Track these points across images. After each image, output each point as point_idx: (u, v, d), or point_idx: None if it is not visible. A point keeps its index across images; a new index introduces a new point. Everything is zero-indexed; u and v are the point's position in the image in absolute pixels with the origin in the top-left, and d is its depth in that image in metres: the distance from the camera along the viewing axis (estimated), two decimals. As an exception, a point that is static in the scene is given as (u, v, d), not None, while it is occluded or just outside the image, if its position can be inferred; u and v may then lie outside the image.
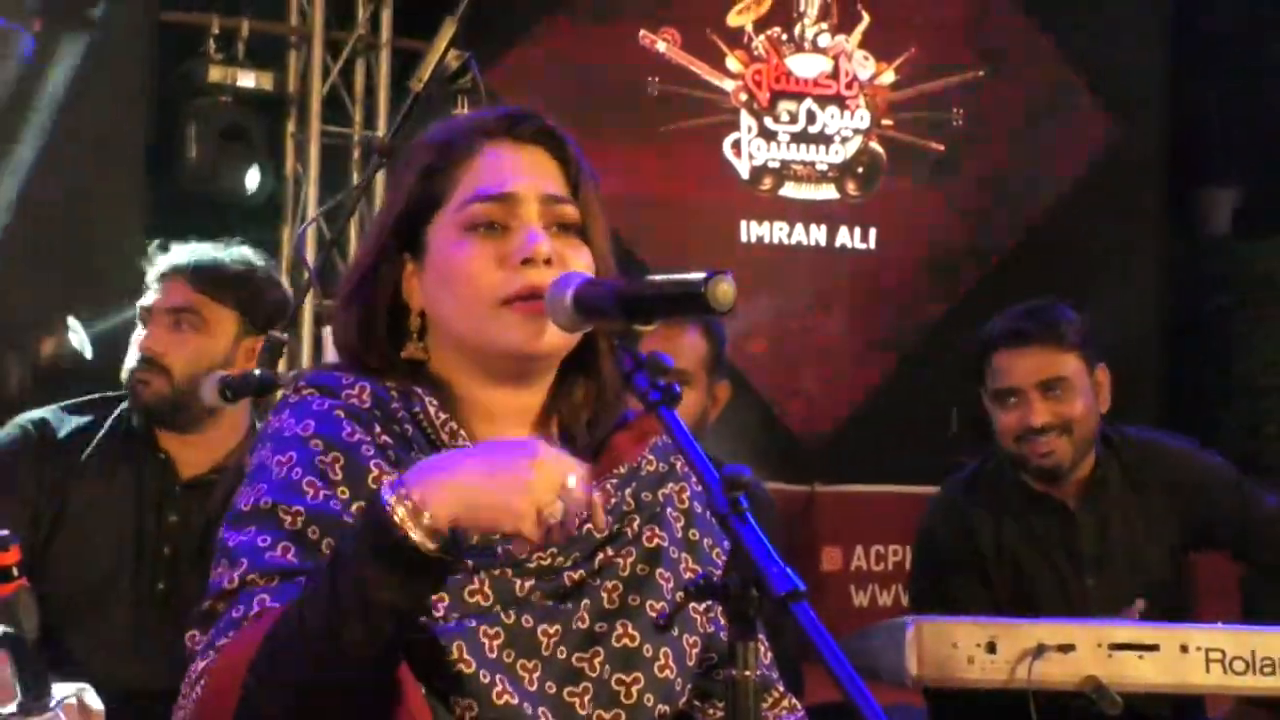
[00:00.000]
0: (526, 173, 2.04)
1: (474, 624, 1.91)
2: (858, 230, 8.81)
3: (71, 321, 7.00)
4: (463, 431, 2.01)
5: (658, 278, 1.85)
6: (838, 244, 8.80)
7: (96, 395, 3.84)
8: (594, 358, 2.08)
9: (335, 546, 1.76)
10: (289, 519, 1.88)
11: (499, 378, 2.04)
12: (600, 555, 2.03)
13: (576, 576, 2.00)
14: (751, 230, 8.69)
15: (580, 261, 2.02)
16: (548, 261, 1.98)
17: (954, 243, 8.91)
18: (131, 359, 3.64)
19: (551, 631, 1.96)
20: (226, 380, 3.47)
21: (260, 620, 1.80)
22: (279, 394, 2.21)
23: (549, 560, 1.99)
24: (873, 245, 8.83)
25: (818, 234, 8.78)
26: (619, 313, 1.87)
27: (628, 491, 2.10)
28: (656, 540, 2.08)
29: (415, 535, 1.68)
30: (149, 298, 3.67)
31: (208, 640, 1.84)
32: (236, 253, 3.78)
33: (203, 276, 3.69)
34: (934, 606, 3.89)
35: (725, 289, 1.76)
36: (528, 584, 1.96)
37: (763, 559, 1.61)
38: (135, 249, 3.84)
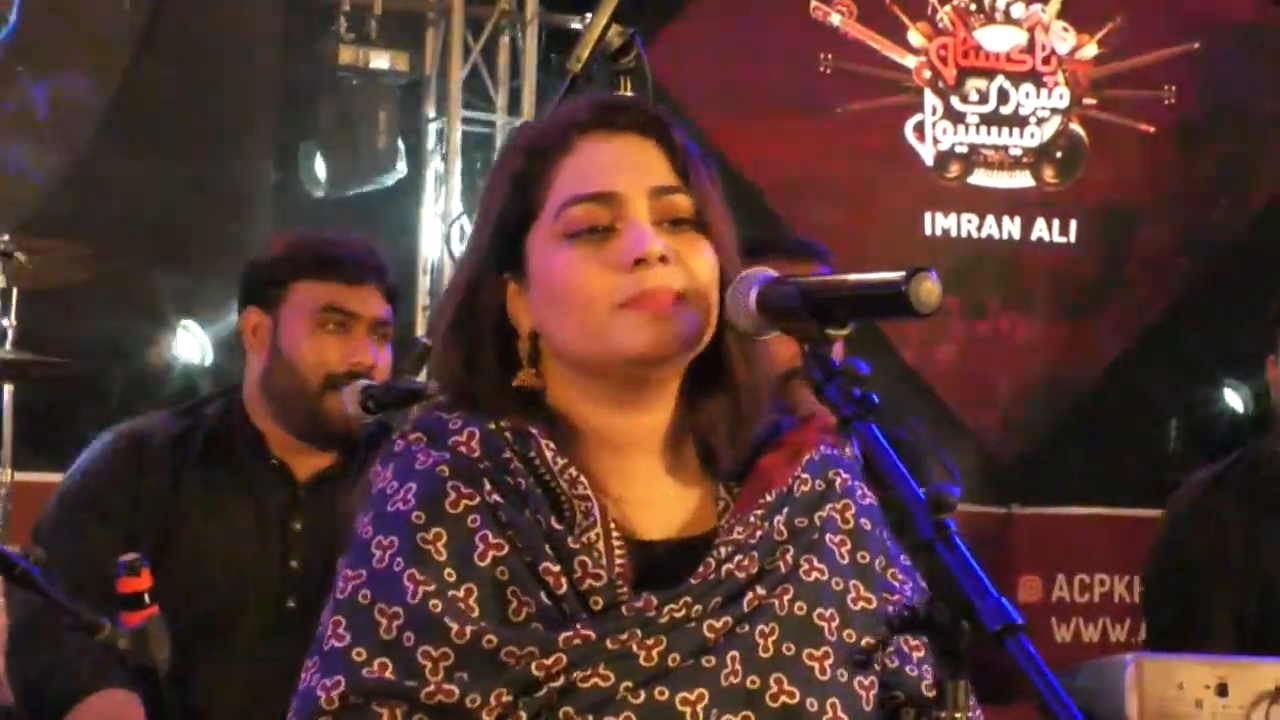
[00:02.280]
0: (628, 166, 2.01)
1: None
2: (1056, 222, 8.73)
3: (188, 324, 7.13)
4: (582, 479, 1.99)
5: (851, 277, 1.85)
6: (1034, 237, 8.72)
7: (191, 401, 3.84)
8: (724, 365, 2.05)
9: None
10: (384, 623, 1.93)
11: (621, 398, 2.02)
12: (749, 595, 1.98)
13: (720, 625, 1.96)
14: (937, 223, 8.65)
15: (701, 257, 1.99)
16: (663, 259, 1.96)
17: (1166, 236, 8.81)
18: (327, 367, 3.60)
19: (694, 698, 1.93)
20: (370, 390, 3.49)
21: None
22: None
23: (683, 610, 1.95)
24: (1073, 239, 8.74)
25: (1011, 227, 8.71)
26: (808, 315, 1.86)
27: (779, 519, 2.03)
28: (815, 573, 2.03)
29: None
30: (334, 297, 3.63)
31: None
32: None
33: (390, 285, 3.70)
34: (1177, 628, 3.85)
35: (929, 288, 1.76)
36: (658, 649, 1.93)
37: (973, 589, 1.60)
38: (260, 246, 3.85)
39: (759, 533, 2.01)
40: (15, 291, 5.41)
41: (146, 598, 2.52)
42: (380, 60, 7.58)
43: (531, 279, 2.03)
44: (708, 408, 2.06)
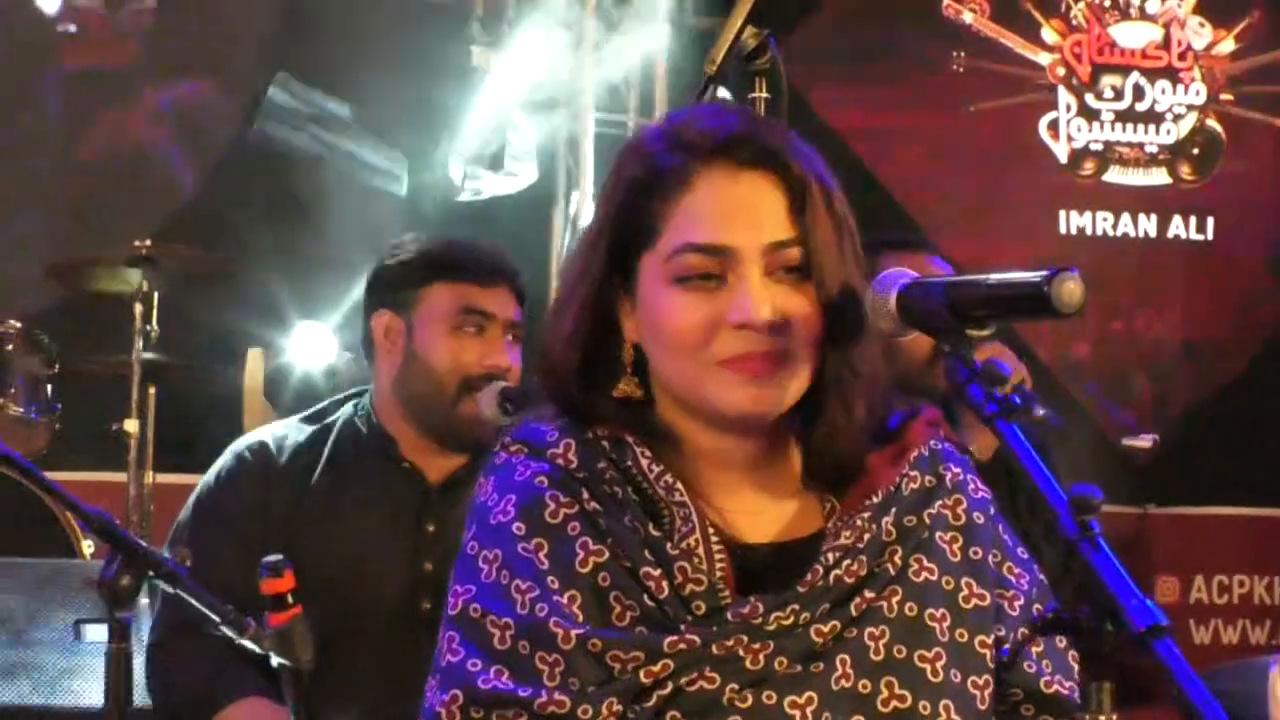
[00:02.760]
0: (746, 215, 1.99)
1: None
2: (1193, 219, 8.65)
3: (312, 325, 7.17)
4: (679, 485, 2.01)
5: (991, 277, 1.85)
6: (1170, 235, 8.65)
7: (317, 407, 3.81)
8: (831, 388, 2.03)
9: None
10: (497, 634, 1.96)
11: (721, 426, 2.03)
12: (857, 599, 1.98)
13: (828, 629, 1.96)
14: (1072, 221, 8.59)
15: (807, 310, 1.98)
16: (769, 324, 1.96)
17: (1306, 231, 8.71)
18: (464, 369, 3.60)
19: (803, 701, 1.94)
20: (508, 392, 3.50)
21: None
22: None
23: (790, 618, 1.95)
24: (1210, 236, 8.66)
25: (1147, 224, 8.64)
26: (949, 317, 1.86)
27: (886, 520, 2.02)
28: (925, 573, 2.03)
29: None
30: (471, 299, 3.64)
31: None
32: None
33: (521, 286, 3.71)
34: None
35: (1071, 288, 1.74)
36: (764, 653, 1.94)
37: (1119, 590, 1.60)
38: (396, 250, 3.82)
39: (867, 535, 2.01)
40: (156, 296, 5.49)
41: (290, 598, 2.55)
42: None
43: (640, 303, 2.04)
44: (818, 426, 2.05)
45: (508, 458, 2.07)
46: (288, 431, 3.69)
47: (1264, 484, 7.83)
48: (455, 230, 5.90)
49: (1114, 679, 1.98)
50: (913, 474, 2.07)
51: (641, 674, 1.90)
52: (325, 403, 3.83)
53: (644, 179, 2.03)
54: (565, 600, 1.95)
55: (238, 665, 3.29)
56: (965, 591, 2.04)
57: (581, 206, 7.52)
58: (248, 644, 2.56)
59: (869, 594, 1.99)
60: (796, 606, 1.95)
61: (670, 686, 1.91)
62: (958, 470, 2.10)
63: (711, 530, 1.99)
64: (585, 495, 2.00)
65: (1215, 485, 8.08)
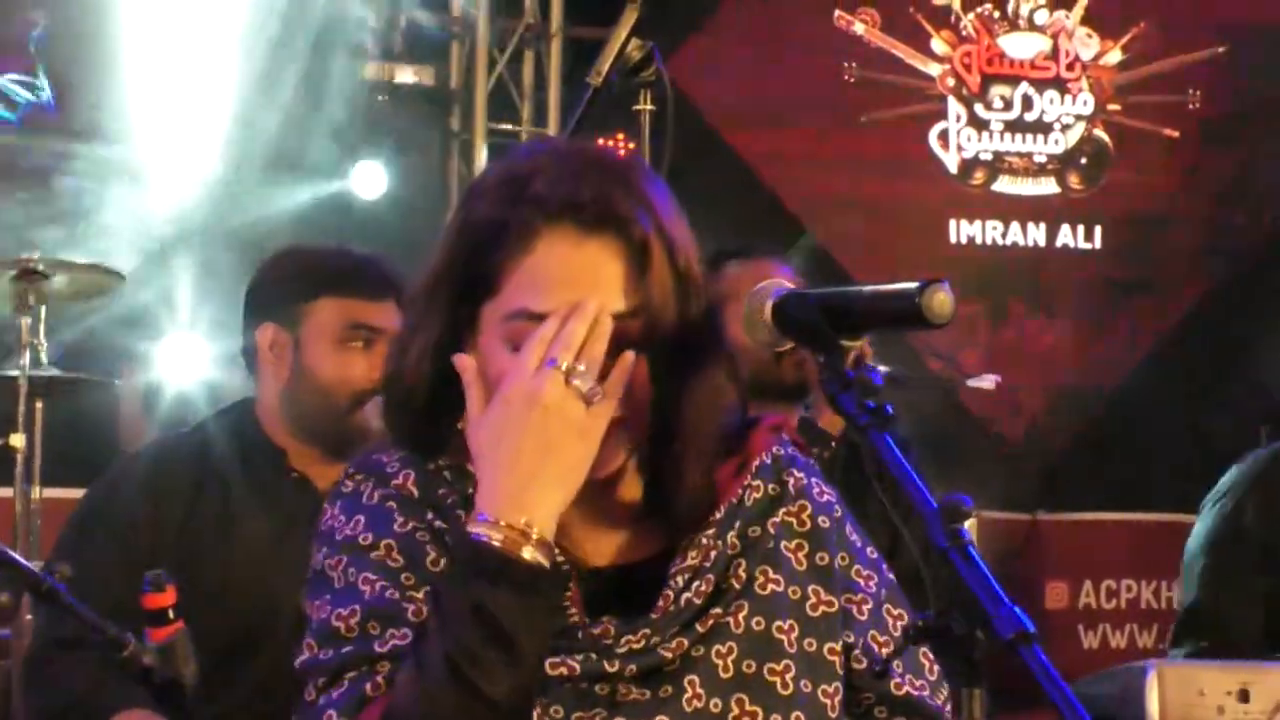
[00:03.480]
0: (585, 285, 1.94)
1: None
2: (1081, 228, 8.73)
3: (185, 338, 7.13)
4: None
5: (866, 288, 1.87)
6: (1059, 244, 8.73)
7: (199, 421, 3.78)
8: (672, 426, 2.00)
9: (435, 600, 1.87)
10: (342, 626, 1.94)
11: None
12: (704, 617, 1.98)
13: (674, 646, 1.96)
14: (962, 230, 8.65)
15: (641, 380, 1.95)
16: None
17: (1192, 241, 8.79)
18: (353, 384, 3.55)
19: None
20: (392, 405, 3.47)
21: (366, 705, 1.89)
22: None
23: (641, 642, 1.96)
24: (1098, 244, 8.74)
25: (1036, 233, 8.71)
26: (824, 327, 1.87)
27: (731, 534, 2.02)
28: (771, 585, 2.03)
29: (527, 554, 1.83)
30: (359, 314, 3.58)
31: None
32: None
33: (402, 300, 3.66)
34: (1232, 610, 3.84)
35: (942, 299, 1.77)
36: (617, 661, 1.95)
37: (986, 598, 1.61)
38: (280, 262, 3.77)
39: (713, 552, 2.01)
40: (44, 310, 5.43)
41: (171, 613, 2.53)
42: (406, 74, 7.60)
43: (480, 351, 1.99)
44: (652, 451, 2.02)
45: (355, 486, 2.05)
46: (173, 444, 3.65)
47: (1151, 490, 7.90)
48: (345, 238, 5.86)
49: (987, 685, 2.02)
50: (755, 483, 2.07)
51: None
52: (205, 417, 3.80)
53: (488, 229, 1.97)
54: (421, 596, 1.93)
55: (119, 678, 3.25)
56: (813, 600, 2.05)
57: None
58: (129, 660, 2.54)
59: (716, 611, 1.99)
60: (648, 631, 1.95)
61: None
62: (801, 475, 2.10)
63: (557, 551, 1.93)
64: (430, 515, 1.99)
65: (1104, 491, 8.15)
